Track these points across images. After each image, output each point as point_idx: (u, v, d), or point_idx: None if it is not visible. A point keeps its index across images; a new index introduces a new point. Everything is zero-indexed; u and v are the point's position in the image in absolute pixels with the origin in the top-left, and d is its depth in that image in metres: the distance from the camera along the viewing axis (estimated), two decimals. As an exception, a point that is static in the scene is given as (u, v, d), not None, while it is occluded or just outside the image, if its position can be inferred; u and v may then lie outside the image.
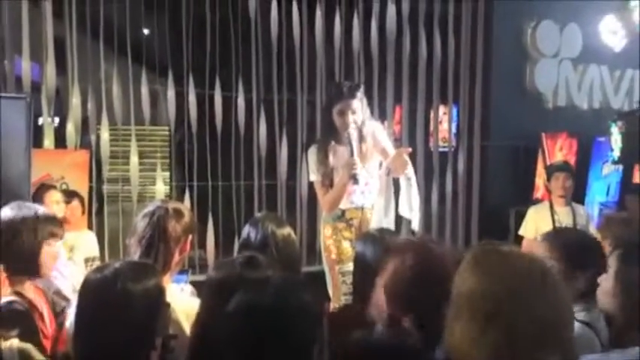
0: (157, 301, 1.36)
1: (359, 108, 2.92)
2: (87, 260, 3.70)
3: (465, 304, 1.04)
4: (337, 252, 2.94)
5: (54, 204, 3.30)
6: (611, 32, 5.54)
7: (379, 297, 1.49)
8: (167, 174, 5.33)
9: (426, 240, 1.67)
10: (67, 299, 1.90)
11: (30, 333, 1.65)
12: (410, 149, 2.95)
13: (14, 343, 1.32)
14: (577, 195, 4.73)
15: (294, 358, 1.10)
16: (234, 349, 1.10)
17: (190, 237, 1.84)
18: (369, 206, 2.99)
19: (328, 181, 2.95)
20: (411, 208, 2.94)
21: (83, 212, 3.83)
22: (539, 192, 5.13)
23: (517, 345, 0.98)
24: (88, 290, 1.37)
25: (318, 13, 4.68)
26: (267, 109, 4.61)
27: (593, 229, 3.85)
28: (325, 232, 3.01)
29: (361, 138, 2.93)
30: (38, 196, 3.23)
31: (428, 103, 5.15)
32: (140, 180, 4.46)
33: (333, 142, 2.99)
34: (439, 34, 5.05)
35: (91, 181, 4.12)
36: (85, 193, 3.90)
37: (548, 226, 3.75)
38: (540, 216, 3.98)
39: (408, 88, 5.03)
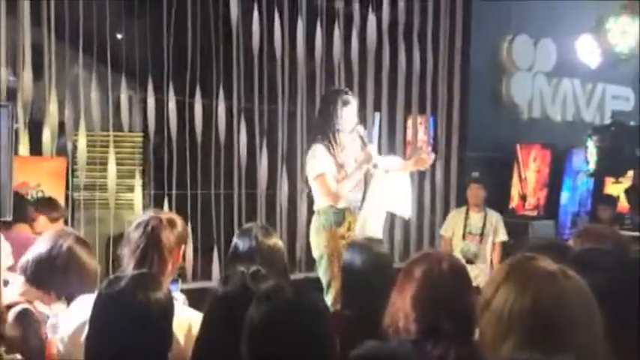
0: (172, 310, 1.36)
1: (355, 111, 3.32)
2: None
3: (516, 323, 1.03)
4: (339, 260, 2.97)
5: None
6: (588, 51, 5.76)
7: (400, 306, 1.49)
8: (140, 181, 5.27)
9: (441, 251, 1.71)
10: None
11: None
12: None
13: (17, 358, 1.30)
14: (551, 205, 4.86)
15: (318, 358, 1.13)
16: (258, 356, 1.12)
17: (183, 247, 1.83)
18: (365, 210, 3.14)
19: (342, 172, 3.18)
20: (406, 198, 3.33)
21: None
22: (514, 202, 5.24)
23: None
24: (106, 304, 1.37)
25: (300, 23, 4.71)
26: (247, 117, 4.61)
27: (502, 233, 4.49)
28: (320, 239, 3.08)
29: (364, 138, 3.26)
30: None
31: (406, 113, 5.22)
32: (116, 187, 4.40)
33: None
34: (418, 46, 5.14)
35: (67, 188, 4.04)
36: (61, 201, 3.83)
37: (460, 228, 4.54)
38: (456, 219, 4.64)
39: (387, 97, 5.09)
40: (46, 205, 3.62)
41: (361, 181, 3.26)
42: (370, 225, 3.10)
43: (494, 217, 4.58)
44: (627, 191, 5.40)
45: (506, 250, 4.33)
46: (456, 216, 4.67)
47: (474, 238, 4.49)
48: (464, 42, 5.26)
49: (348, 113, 3.23)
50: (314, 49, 4.78)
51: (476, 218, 4.54)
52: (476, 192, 4.56)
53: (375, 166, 3.22)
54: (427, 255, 1.59)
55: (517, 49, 5.42)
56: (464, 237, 4.50)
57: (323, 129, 3.25)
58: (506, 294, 1.06)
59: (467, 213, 4.57)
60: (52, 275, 1.80)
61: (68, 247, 1.83)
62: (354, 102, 3.31)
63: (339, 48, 4.85)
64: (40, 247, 1.87)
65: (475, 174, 4.85)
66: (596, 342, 1.03)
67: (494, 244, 4.50)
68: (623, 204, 5.26)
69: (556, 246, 1.94)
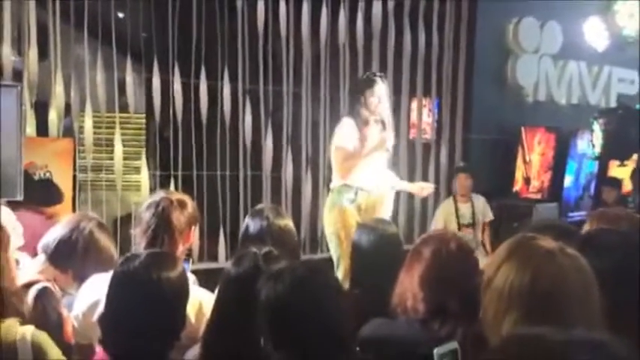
0: (187, 289, 1.39)
1: (386, 95, 3.44)
2: None
3: (516, 299, 1.06)
4: (347, 239, 3.03)
5: None
6: (596, 34, 5.71)
7: (408, 286, 1.51)
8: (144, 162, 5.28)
9: (450, 232, 1.74)
10: None
11: None
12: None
13: (28, 330, 1.32)
14: (555, 188, 4.87)
15: (333, 334, 1.15)
16: (280, 332, 1.15)
17: (193, 228, 1.85)
18: (376, 193, 3.19)
19: (360, 148, 3.30)
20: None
21: None
22: (518, 185, 5.25)
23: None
24: (122, 282, 1.38)
25: (305, 5, 4.68)
26: (252, 99, 4.61)
27: (489, 214, 4.60)
28: (332, 217, 3.14)
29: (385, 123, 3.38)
30: None
31: (411, 95, 5.21)
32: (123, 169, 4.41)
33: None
34: (423, 29, 5.10)
35: (74, 169, 4.06)
36: (69, 182, 3.86)
37: (453, 220, 4.59)
38: (446, 212, 4.68)
39: (392, 80, 5.07)
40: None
41: (377, 164, 3.33)
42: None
43: (481, 203, 4.63)
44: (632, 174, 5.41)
45: (510, 232, 4.36)
46: (445, 209, 4.72)
47: (467, 229, 4.53)
48: (470, 24, 5.22)
49: (373, 93, 3.37)
50: (319, 30, 4.76)
51: (464, 208, 4.61)
52: (463, 182, 4.61)
53: (388, 150, 3.36)
54: (435, 235, 1.62)
55: (523, 31, 5.38)
56: (459, 229, 4.52)
57: (353, 106, 3.45)
58: (507, 272, 1.09)
59: (455, 204, 4.64)
60: (71, 257, 1.85)
61: (90, 231, 1.87)
62: (380, 83, 3.43)
63: (345, 29, 4.83)
64: (62, 228, 1.91)
65: (461, 163, 4.89)
66: (593, 319, 1.06)
67: (483, 224, 4.57)
68: (627, 187, 5.28)
69: (557, 226, 1.97)
